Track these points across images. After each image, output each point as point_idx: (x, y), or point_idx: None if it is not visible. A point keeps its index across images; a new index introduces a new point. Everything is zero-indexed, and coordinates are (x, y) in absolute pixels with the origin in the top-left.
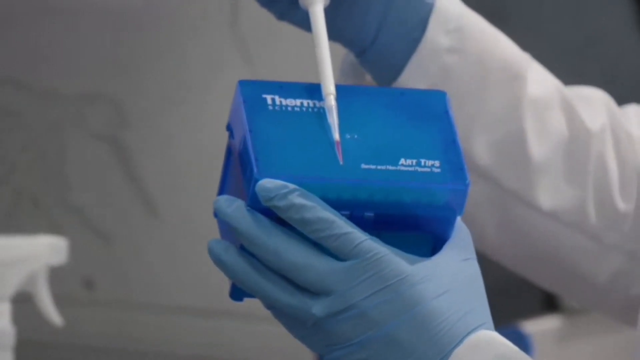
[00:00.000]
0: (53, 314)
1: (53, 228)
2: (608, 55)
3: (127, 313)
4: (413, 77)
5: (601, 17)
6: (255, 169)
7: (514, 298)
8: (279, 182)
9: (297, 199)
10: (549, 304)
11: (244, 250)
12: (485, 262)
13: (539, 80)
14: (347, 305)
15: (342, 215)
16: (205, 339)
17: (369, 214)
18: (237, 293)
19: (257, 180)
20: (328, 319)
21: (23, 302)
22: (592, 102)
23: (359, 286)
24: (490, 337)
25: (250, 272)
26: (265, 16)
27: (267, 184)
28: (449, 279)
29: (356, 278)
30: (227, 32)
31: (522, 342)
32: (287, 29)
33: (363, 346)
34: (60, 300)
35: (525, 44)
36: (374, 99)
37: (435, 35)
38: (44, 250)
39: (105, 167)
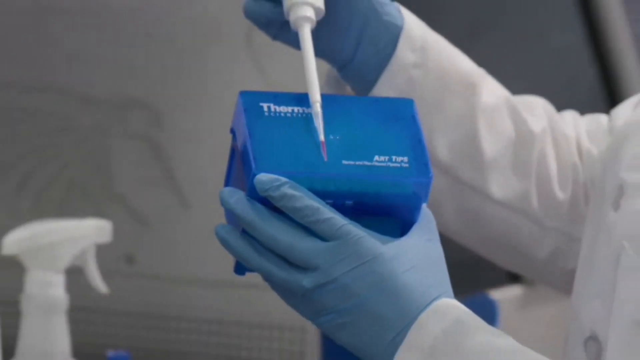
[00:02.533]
0: (99, 284)
1: (99, 213)
2: (564, 68)
3: (160, 284)
4: (385, 88)
5: (557, 34)
6: (253, 166)
7: (483, 271)
8: (273, 176)
9: (288, 190)
10: (512, 276)
11: (245, 233)
12: (467, 250)
13: (491, 90)
14: (330, 279)
15: (327, 203)
16: (222, 305)
17: (349, 202)
18: (240, 268)
19: (255, 175)
20: (315, 290)
21: (75, 274)
22: (535, 108)
23: (340, 263)
24: (450, 304)
25: (251, 251)
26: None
27: (263, 177)
28: (415, 257)
29: (338, 256)
30: (242, 45)
31: (489, 306)
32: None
33: (343, 313)
34: (105, 273)
35: (494, 59)
36: (353, 106)
37: (404, 52)
38: (92, 231)
39: (142, 162)
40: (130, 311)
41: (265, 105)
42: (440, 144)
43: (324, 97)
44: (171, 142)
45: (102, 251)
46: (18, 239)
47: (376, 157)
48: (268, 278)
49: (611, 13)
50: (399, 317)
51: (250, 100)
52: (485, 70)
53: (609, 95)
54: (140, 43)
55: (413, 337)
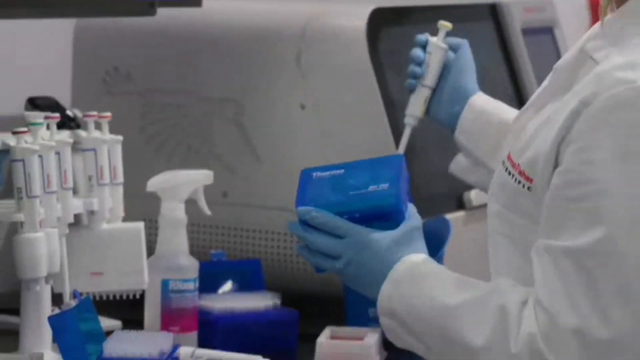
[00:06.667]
0: (206, 209)
1: (205, 166)
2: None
3: (242, 209)
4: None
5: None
6: (297, 204)
7: (442, 202)
8: (305, 208)
9: (314, 213)
10: (459, 204)
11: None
12: (432, 186)
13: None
14: (348, 260)
15: (344, 218)
16: (284, 222)
17: (356, 215)
18: (317, 270)
19: (297, 207)
20: (343, 268)
21: (191, 203)
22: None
23: (352, 249)
24: (414, 257)
25: (306, 252)
26: (321, 56)
27: (300, 209)
28: (401, 239)
29: (350, 246)
30: (293, 62)
31: (445, 224)
32: (336, 65)
33: (357, 273)
34: (209, 202)
35: None
36: (363, 162)
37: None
38: (201, 177)
39: (231, 135)
40: (224, 226)
41: (314, 173)
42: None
43: (348, 164)
44: (249, 122)
45: (207, 189)
46: (157, 182)
47: (370, 187)
48: (317, 267)
49: (519, 43)
50: (384, 269)
51: (307, 172)
52: None
53: (517, 96)
54: (232, 61)
55: (390, 275)
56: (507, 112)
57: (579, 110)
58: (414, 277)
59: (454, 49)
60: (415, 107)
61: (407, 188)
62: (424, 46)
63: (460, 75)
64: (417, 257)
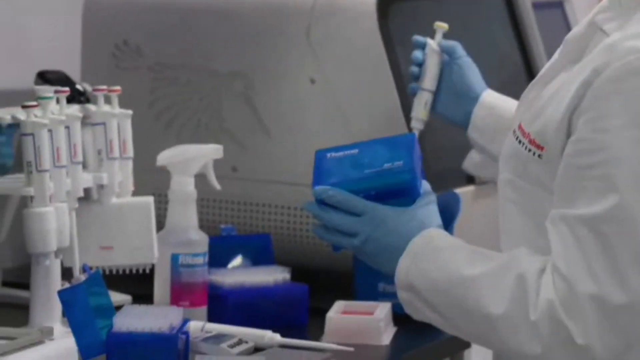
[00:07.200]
0: (215, 184)
1: (215, 141)
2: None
3: (251, 183)
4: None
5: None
6: (313, 184)
7: (452, 177)
8: (322, 187)
9: (330, 192)
10: (469, 179)
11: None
12: (441, 161)
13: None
14: (366, 237)
15: (360, 196)
16: (294, 197)
17: (372, 193)
18: (334, 248)
19: (313, 189)
20: (361, 245)
21: (201, 177)
22: None
23: (369, 226)
24: (432, 231)
25: (322, 231)
26: (331, 30)
27: (317, 189)
28: (417, 215)
29: (368, 224)
30: (303, 36)
31: (456, 198)
32: (346, 39)
33: (374, 250)
34: (218, 177)
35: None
36: (379, 140)
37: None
38: (210, 151)
39: (241, 110)
40: (234, 201)
41: (328, 154)
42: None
43: (364, 143)
44: (258, 97)
45: (217, 164)
46: (166, 156)
47: (385, 165)
48: (334, 242)
49: (529, 18)
50: (401, 244)
51: (321, 152)
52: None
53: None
54: (241, 36)
55: (407, 249)
56: None
57: (590, 80)
58: (431, 250)
59: (448, 52)
60: (417, 111)
61: (420, 165)
62: (423, 47)
63: (464, 75)
64: (434, 231)
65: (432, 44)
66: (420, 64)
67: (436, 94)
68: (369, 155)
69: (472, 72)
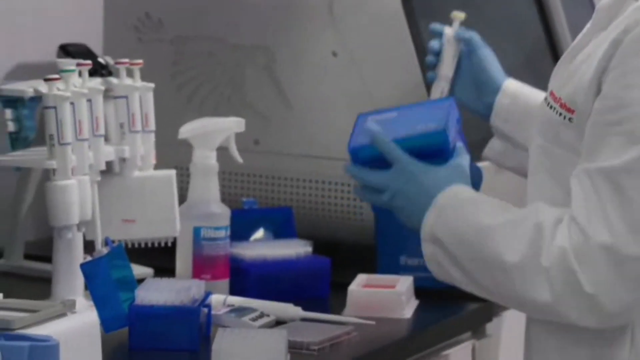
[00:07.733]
0: (237, 157)
1: (237, 114)
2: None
3: (275, 156)
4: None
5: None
6: (349, 144)
7: (474, 151)
8: (358, 144)
9: (366, 147)
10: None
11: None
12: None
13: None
14: (394, 192)
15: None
16: (315, 169)
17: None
18: (373, 208)
19: (349, 148)
20: (390, 199)
21: (223, 150)
22: None
23: (397, 181)
24: (459, 187)
25: (357, 188)
26: (353, 3)
27: (353, 147)
28: (446, 172)
29: (397, 179)
30: (325, 12)
31: (478, 170)
32: (368, 12)
33: (403, 204)
34: (240, 150)
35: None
36: (416, 105)
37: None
38: (232, 125)
39: (263, 83)
40: (256, 174)
41: (370, 117)
42: (525, 137)
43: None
44: (281, 69)
45: (239, 137)
46: (188, 129)
47: (419, 126)
48: (367, 200)
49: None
50: (428, 199)
51: (363, 116)
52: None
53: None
54: (263, 9)
55: (434, 203)
56: (543, 94)
57: (620, 39)
58: (457, 204)
59: (466, 43)
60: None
61: (459, 128)
62: (439, 36)
63: (484, 68)
64: (460, 186)
65: (449, 33)
66: (437, 53)
67: (453, 83)
68: (406, 118)
69: (493, 64)
